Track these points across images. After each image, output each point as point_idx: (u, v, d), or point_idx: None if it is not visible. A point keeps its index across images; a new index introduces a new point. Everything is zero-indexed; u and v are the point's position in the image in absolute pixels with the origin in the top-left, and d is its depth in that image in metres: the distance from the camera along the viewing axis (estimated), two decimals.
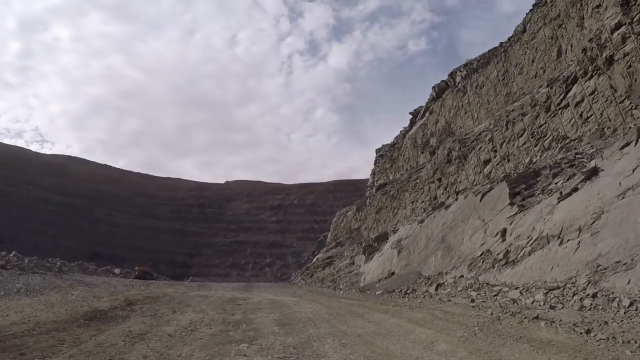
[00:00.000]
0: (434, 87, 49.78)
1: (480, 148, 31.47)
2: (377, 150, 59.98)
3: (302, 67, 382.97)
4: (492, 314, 11.43)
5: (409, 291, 20.15)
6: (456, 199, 24.22)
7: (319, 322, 11.63)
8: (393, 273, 24.06)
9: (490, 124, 32.97)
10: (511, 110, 30.81)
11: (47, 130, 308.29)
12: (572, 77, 25.40)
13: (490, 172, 29.60)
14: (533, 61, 35.39)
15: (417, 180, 38.17)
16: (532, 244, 15.80)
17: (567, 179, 18.65)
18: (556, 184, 19.23)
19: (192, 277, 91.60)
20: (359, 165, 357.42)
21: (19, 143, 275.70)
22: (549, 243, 14.99)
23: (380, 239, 32.80)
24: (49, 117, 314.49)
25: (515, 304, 12.69)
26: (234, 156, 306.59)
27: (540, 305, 12.07)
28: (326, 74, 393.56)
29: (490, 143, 30.54)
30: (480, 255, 18.53)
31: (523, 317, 10.65)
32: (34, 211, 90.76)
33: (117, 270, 52.49)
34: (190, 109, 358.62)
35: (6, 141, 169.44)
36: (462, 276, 18.15)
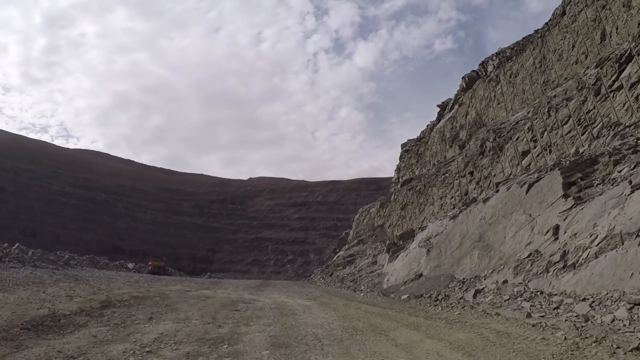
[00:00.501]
0: (464, 78, 46.15)
1: (518, 138, 27.93)
2: (403, 145, 56.38)
3: (327, 65, 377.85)
4: (565, 338, 8.12)
5: (440, 297, 16.87)
6: (496, 191, 20.78)
7: (328, 342, 8.47)
8: (421, 275, 20.76)
9: (528, 112, 29.37)
10: (553, 96, 27.18)
11: (72, 126, 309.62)
12: (626, 55, 21.77)
13: (530, 164, 26.05)
14: (574, 46, 31.61)
15: (447, 175, 34.70)
16: (599, 243, 12.40)
17: (634, 167, 15.17)
18: (619, 172, 15.75)
19: (213, 273, 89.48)
20: (383, 164, 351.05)
21: (44, 138, 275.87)
22: (623, 243, 11.61)
23: (405, 236, 29.47)
24: (74, 112, 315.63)
25: (590, 322, 9.36)
26: (258, 153, 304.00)
27: (624, 325, 8.76)
28: (352, 72, 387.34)
29: (530, 132, 26.98)
30: (528, 256, 15.14)
31: (614, 346, 7.35)
32: (56, 205, 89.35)
33: (130, 265, 50.17)
34: (215, 105, 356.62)
35: (32, 136, 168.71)
36: (506, 281, 14.79)
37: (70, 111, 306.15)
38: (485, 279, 16.35)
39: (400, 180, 52.45)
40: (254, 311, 13.48)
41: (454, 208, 31.57)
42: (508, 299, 13.11)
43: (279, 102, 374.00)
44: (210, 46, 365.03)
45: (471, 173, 31.83)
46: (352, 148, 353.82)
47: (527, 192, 17.64)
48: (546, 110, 26.11)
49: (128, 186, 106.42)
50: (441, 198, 35.13)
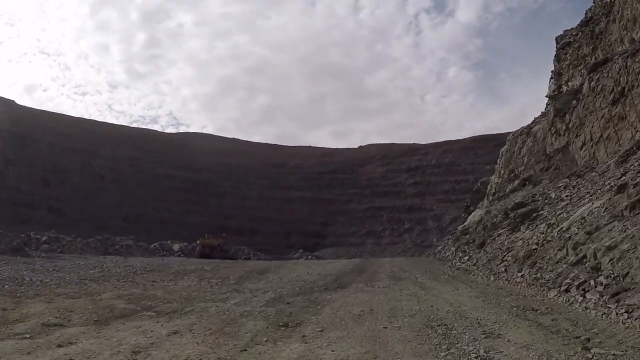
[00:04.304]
0: None
1: None
2: (558, 39, 32.86)
3: (429, 26, 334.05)
4: None
5: None
6: None
7: None
8: None
9: None
10: None
11: (181, 114, 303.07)
12: None
13: None
14: None
15: None
16: None
17: None
18: None
19: (326, 247, 73.02)
20: (496, 123, 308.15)
21: (155, 128, 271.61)
22: None
23: None
24: (181, 101, 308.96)
25: None
26: (367, 123, 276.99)
27: None
28: (456, 30, 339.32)
29: None
30: None
31: None
32: (159, 189, 77.42)
33: (176, 247, 32.44)
34: (320, 79, 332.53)
35: (142, 127, 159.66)
36: None
37: (178, 100, 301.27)
38: None
39: (561, 89, 29.10)
40: None
41: None
42: None
43: (385, 69, 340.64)
44: (308, 21, 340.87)
45: None
46: (463, 109, 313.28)
47: None
48: None
49: (232, 165, 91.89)
50: None
